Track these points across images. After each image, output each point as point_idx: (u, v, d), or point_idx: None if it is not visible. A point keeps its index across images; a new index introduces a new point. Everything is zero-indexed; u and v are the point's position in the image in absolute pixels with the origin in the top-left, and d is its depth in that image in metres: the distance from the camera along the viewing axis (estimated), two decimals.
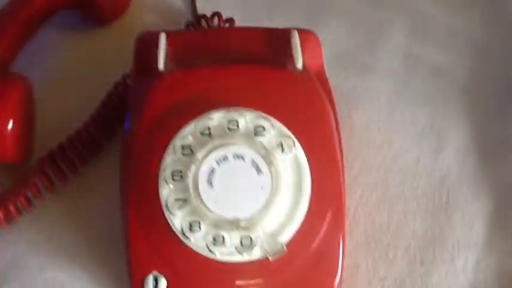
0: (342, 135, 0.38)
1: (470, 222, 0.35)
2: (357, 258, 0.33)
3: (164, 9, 0.44)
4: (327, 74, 0.41)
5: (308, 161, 0.28)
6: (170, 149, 0.28)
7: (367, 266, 0.33)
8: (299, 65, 0.31)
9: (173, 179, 0.27)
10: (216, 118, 0.28)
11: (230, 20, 0.41)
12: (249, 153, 0.27)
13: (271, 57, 0.32)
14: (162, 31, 0.32)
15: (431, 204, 0.35)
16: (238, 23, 0.43)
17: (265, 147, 0.27)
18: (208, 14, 0.42)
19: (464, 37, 0.46)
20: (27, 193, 0.33)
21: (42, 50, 0.42)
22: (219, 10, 0.44)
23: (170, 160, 0.28)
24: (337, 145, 0.30)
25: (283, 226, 0.28)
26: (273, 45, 0.33)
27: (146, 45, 0.32)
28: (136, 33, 0.35)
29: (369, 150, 0.38)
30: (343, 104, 0.40)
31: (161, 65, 0.31)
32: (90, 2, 0.39)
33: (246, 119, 0.28)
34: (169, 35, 0.32)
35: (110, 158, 0.36)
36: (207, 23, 0.41)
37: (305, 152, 0.28)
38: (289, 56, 0.31)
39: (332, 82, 0.41)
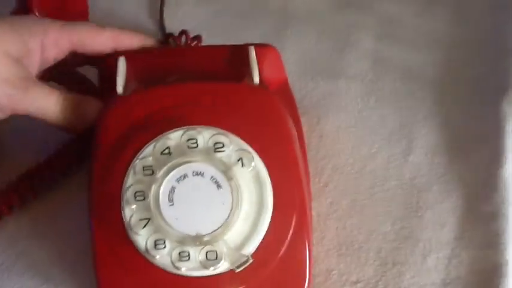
0: (312, 142, 0.39)
1: (441, 221, 0.35)
2: (329, 263, 0.33)
3: (132, 27, 0.45)
4: (297, 82, 0.42)
5: (269, 173, 0.29)
6: (131, 170, 0.28)
7: (340, 270, 0.33)
8: (256, 79, 0.31)
9: (135, 199, 0.28)
10: (175, 137, 0.28)
11: (197, 38, 0.42)
12: (209, 169, 0.27)
13: (230, 73, 0.33)
14: (121, 54, 0.33)
15: (402, 206, 0.36)
16: (208, 37, 0.43)
17: (224, 163, 0.28)
18: (177, 32, 0.43)
19: (431, 37, 0.46)
20: None
21: None
22: (190, 24, 0.45)
23: (132, 181, 0.28)
24: (298, 156, 0.31)
25: (247, 238, 0.28)
26: (231, 62, 0.33)
27: (108, 69, 0.33)
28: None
29: (339, 156, 0.38)
30: (313, 111, 0.41)
31: (119, 89, 0.32)
32: None
33: (204, 136, 0.28)
34: (129, 57, 0.33)
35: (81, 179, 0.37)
36: (175, 41, 0.42)
37: (266, 165, 0.29)
38: (246, 71, 0.32)
39: (301, 90, 0.42)
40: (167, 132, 0.29)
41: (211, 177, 0.27)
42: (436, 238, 0.34)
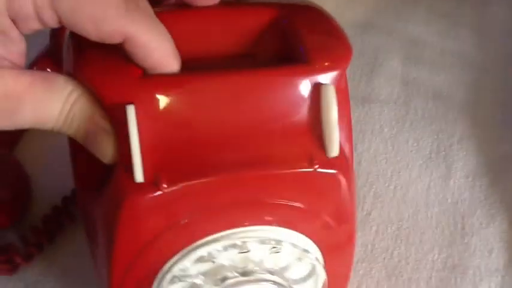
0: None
1: (489, 247, 0.35)
2: None
3: None
4: None
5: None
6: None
7: None
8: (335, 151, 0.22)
9: None
10: (212, 245, 0.22)
11: None
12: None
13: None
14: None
15: (448, 232, 0.35)
16: None
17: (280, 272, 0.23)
18: None
19: (457, 57, 0.46)
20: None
21: None
22: None
23: None
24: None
25: None
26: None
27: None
28: None
29: (379, 182, 0.38)
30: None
31: (139, 176, 0.20)
32: None
33: (260, 238, 0.22)
34: (142, 99, 0.21)
35: None
36: None
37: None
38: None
39: None
40: (204, 239, 0.22)
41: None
42: (485, 265, 0.34)
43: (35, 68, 0.39)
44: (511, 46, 0.46)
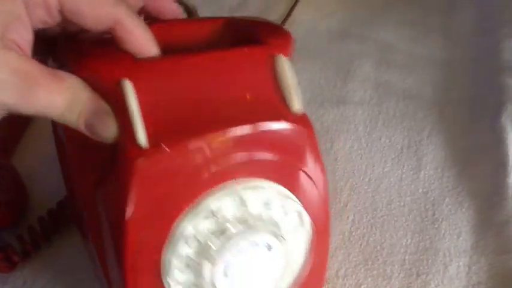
0: (328, 165, 0.40)
1: (457, 231, 0.37)
2: (357, 278, 0.35)
3: None
4: (307, 108, 0.43)
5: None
6: (172, 249, 0.24)
7: (368, 284, 0.35)
8: (298, 106, 0.26)
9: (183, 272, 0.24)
10: (218, 199, 0.24)
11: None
12: (261, 235, 0.24)
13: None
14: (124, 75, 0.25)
15: (419, 219, 0.38)
16: None
17: (277, 224, 0.25)
18: None
19: (426, 60, 0.50)
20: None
21: None
22: None
23: (176, 251, 0.24)
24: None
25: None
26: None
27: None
28: None
29: (355, 176, 0.40)
30: (326, 135, 0.43)
31: (142, 139, 0.23)
32: None
33: (253, 196, 0.24)
34: (139, 78, 0.24)
35: None
36: None
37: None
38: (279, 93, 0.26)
39: (312, 116, 0.44)
40: (210, 193, 0.24)
41: (265, 242, 0.24)
42: (454, 247, 0.36)
43: None
44: (475, 48, 0.50)
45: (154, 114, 0.23)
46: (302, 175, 0.26)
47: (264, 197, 0.24)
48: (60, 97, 0.23)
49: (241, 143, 0.24)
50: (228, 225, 0.23)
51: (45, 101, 0.23)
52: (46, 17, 0.24)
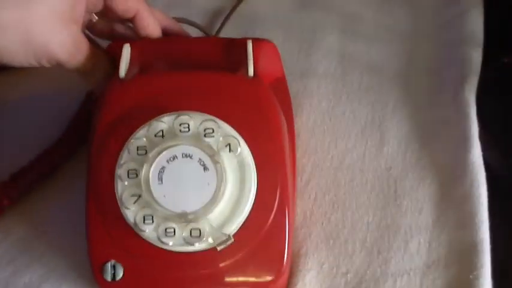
0: (290, 141, 0.40)
1: (418, 207, 0.37)
2: (319, 257, 0.35)
3: None
4: None
5: (254, 160, 0.31)
6: (126, 149, 0.30)
7: (330, 263, 0.35)
8: (250, 72, 0.33)
9: (128, 177, 0.30)
10: (168, 121, 0.30)
11: None
12: (197, 152, 0.29)
13: (226, 64, 0.34)
14: (127, 42, 0.35)
15: (381, 196, 0.38)
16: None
17: (212, 148, 0.29)
18: None
19: (391, 31, 0.48)
20: None
21: None
22: None
23: (126, 159, 0.30)
24: (285, 145, 0.32)
25: (229, 219, 0.30)
26: (230, 54, 0.35)
27: (114, 54, 0.34)
28: None
29: (317, 153, 0.40)
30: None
31: (122, 73, 0.33)
32: None
33: (195, 121, 0.30)
34: (134, 44, 0.35)
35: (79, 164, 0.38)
36: None
37: (252, 151, 0.31)
38: (243, 63, 0.33)
39: None
40: (161, 116, 0.30)
41: (199, 160, 0.29)
42: (415, 223, 0.36)
43: None
44: (440, 17, 0.49)
45: (138, 63, 0.34)
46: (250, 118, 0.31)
47: (207, 126, 0.30)
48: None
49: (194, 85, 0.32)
50: (168, 139, 0.30)
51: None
52: (96, 2, 0.35)
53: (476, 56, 0.44)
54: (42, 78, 0.44)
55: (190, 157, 0.29)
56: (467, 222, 0.36)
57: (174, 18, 0.43)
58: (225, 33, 0.48)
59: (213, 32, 0.47)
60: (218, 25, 0.48)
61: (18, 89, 0.44)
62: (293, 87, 0.44)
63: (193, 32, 0.46)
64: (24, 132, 0.41)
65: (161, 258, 0.30)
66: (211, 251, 0.29)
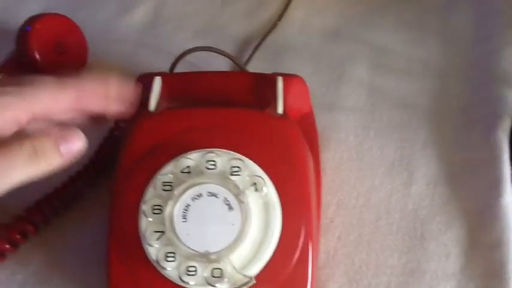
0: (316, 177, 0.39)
1: (446, 252, 0.36)
2: None
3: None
4: None
5: (280, 200, 0.30)
6: (152, 184, 0.30)
7: None
8: (279, 109, 0.33)
9: (152, 213, 0.30)
10: (195, 158, 0.30)
11: None
12: (223, 191, 0.29)
13: (256, 100, 0.34)
14: (158, 74, 0.35)
15: (407, 238, 0.37)
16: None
17: (237, 186, 0.29)
18: None
19: (423, 66, 0.48)
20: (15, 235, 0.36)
21: None
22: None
23: (151, 195, 0.30)
24: (311, 186, 0.32)
25: (252, 260, 0.29)
26: (259, 90, 0.35)
27: (144, 86, 0.34)
28: None
29: (343, 190, 0.39)
30: None
31: (152, 106, 0.33)
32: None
33: (222, 159, 0.30)
34: (165, 77, 0.35)
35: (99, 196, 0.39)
36: None
37: (278, 192, 0.30)
38: (272, 100, 0.33)
39: None
40: (189, 153, 0.30)
41: (225, 198, 0.29)
42: (442, 270, 0.35)
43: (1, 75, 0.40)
44: (473, 53, 0.48)
45: (167, 96, 0.34)
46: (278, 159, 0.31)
47: (234, 164, 0.30)
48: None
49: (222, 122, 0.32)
50: (194, 176, 0.30)
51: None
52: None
53: (510, 96, 0.43)
54: None
55: (216, 196, 0.29)
56: (496, 271, 0.35)
57: (203, 47, 0.43)
58: (254, 62, 0.47)
59: (243, 61, 0.47)
60: (248, 54, 0.48)
61: None
62: (321, 120, 0.43)
63: (223, 61, 0.46)
64: None
65: None
66: None
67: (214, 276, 0.29)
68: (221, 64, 0.47)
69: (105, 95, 0.31)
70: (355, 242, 0.36)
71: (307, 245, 0.30)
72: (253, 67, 0.47)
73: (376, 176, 0.40)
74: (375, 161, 0.41)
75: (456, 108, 0.44)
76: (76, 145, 0.29)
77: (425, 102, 0.45)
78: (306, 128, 0.35)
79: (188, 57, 0.44)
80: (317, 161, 0.36)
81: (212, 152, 0.30)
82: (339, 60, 0.48)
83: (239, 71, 0.43)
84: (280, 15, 0.51)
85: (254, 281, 0.29)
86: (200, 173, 0.30)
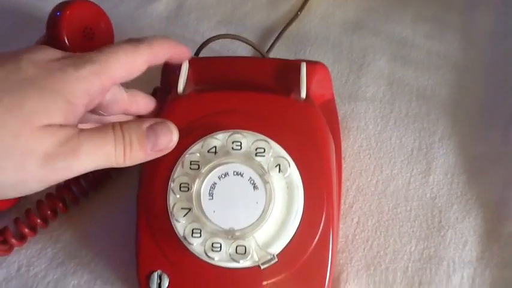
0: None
1: (463, 240, 0.37)
2: (359, 283, 0.35)
3: None
4: None
5: (303, 181, 0.31)
6: (180, 163, 0.31)
7: None
8: (303, 94, 0.34)
9: (180, 190, 0.31)
10: (221, 139, 0.31)
11: None
12: (248, 171, 0.30)
13: (280, 85, 0.35)
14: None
15: (425, 226, 0.37)
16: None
17: (262, 167, 0.30)
18: None
19: (442, 59, 0.48)
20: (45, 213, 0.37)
21: None
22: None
23: (179, 173, 0.31)
24: (333, 168, 0.33)
25: (275, 239, 0.30)
26: (284, 76, 0.35)
27: (172, 70, 0.35)
28: None
29: (362, 177, 0.40)
30: None
31: (180, 88, 0.34)
32: None
33: (248, 140, 0.31)
34: (192, 61, 0.35)
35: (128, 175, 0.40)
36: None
37: (301, 173, 0.31)
38: (295, 85, 0.34)
39: None
40: (215, 133, 0.32)
41: (250, 178, 0.30)
42: (459, 257, 0.36)
43: None
44: (493, 49, 0.48)
45: (194, 80, 0.35)
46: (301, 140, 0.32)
47: (259, 145, 0.31)
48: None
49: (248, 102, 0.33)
50: (220, 156, 0.31)
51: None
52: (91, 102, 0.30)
53: None
54: None
55: (241, 175, 0.30)
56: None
57: (227, 34, 0.43)
58: (276, 51, 0.48)
59: (265, 50, 0.48)
60: (269, 43, 0.49)
61: None
62: (341, 109, 0.44)
63: (245, 49, 0.47)
64: None
65: (206, 273, 0.30)
66: (255, 269, 0.30)
67: (238, 253, 0.29)
68: (243, 53, 0.48)
69: (171, 46, 0.33)
70: (373, 228, 0.37)
71: (329, 227, 0.31)
72: (275, 56, 0.48)
73: (395, 164, 0.40)
74: (394, 150, 0.41)
75: (475, 103, 0.45)
76: (165, 140, 0.29)
77: (444, 95, 0.45)
78: (328, 114, 0.36)
79: (212, 45, 0.45)
80: (338, 147, 0.37)
81: (238, 133, 0.31)
82: (359, 51, 0.49)
83: (264, 58, 0.44)
84: (302, 6, 0.52)
85: (276, 259, 0.29)
86: (226, 153, 0.31)
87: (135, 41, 0.32)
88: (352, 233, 0.37)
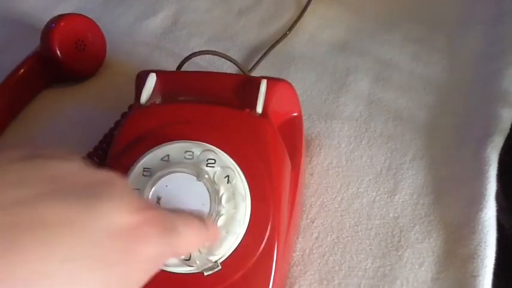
0: (303, 180, 0.41)
1: (420, 260, 0.37)
2: None
3: None
4: None
5: (251, 193, 0.32)
6: (133, 169, 0.33)
7: None
8: (259, 109, 0.35)
9: None
10: (174, 148, 0.33)
11: None
12: (195, 180, 0.31)
13: (240, 100, 0.36)
14: (154, 71, 0.38)
15: (384, 244, 0.38)
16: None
17: (210, 176, 0.32)
18: None
19: (425, 81, 0.49)
20: None
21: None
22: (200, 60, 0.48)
23: (132, 178, 0.33)
24: (284, 182, 0.34)
25: (219, 247, 0.31)
26: (244, 91, 0.37)
27: (143, 82, 0.38)
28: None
29: (327, 193, 0.41)
30: (307, 149, 0.44)
31: (143, 99, 0.36)
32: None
33: (197, 150, 0.33)
34: (160, 74, 0.38)
35: None
36: None
37: (249, 185, 0.32)
38: (254, 100, 0.35)
39: None
40: (168, 143, 0.33)
41: (197, 186, 0.31)
42: (413, 277, 0.36)
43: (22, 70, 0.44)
44: (476, 71, 0.49)
45: (160, 92, 0.37)
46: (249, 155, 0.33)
47: (208, 156, 0.32)
48: None
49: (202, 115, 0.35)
50: (172, 164, 0.32)
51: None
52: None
53: (506, 116, 0.44)
54: (89, 95, 0.49)
55: (189, 183, 0.31)
56: (468, 284, 0.35)
57: (208, 51, 0.45)
58: (261, 69, 0.50)
59: (249, 67, 0.50)
60: (256, 61, 0.51)
61: (70, 103, 0.49)
62: (316, 126, 0.45)
63: (231, 66, 0.49)
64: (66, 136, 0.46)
65: (154, 277, 0.32)
66: (199, 275, 0.31)
67: (184, 259, 0.31)
68: (228, 69, 0.50)
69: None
70: (331, 243, 0.38)
71: (274, 238, 0.32)
72: (259, 73, 0.50)
73: (362, 183, 0.41)
74: (363, 168, 0.42)
75: (451, 125, 0.45)
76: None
77: (421, 117, 0.46)
78: (290, 131, 0.37)
79: (199, 62, 0.48)
80: (298, 163, 0.38)
81: (189, 143, 0.33)
82: (342, 71, 0.50)
83: (228, 73, 0.46)
84: (292, 26, 0.54)
85: (220, 267, 0.31)
86: (179, 162, 0.32)
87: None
88: (309, 247, 0.38)
